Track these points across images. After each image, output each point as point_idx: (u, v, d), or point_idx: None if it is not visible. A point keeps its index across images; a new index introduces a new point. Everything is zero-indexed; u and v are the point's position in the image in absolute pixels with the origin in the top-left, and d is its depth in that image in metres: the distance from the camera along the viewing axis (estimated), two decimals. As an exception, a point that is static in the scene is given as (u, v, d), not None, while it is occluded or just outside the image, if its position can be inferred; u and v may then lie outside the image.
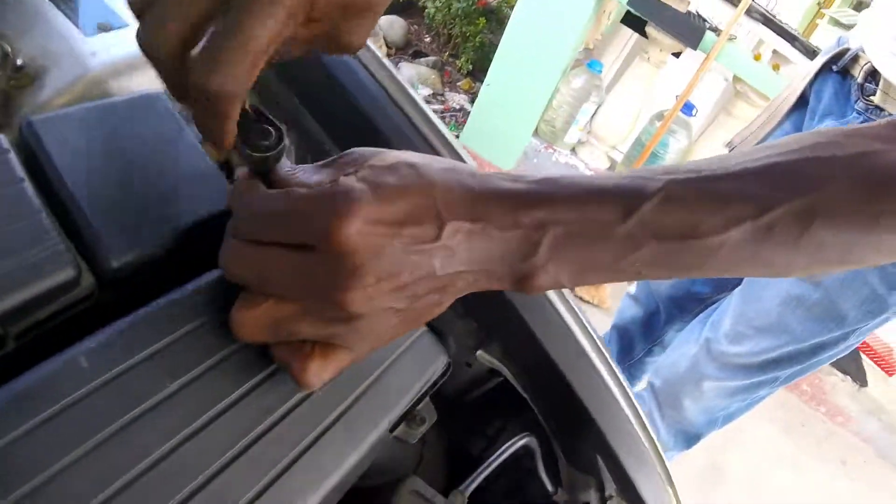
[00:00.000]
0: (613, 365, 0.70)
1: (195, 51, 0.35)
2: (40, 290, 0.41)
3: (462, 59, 3.71)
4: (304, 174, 0.41)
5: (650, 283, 1.88)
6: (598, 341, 0.69)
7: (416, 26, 4.00)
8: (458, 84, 3.69)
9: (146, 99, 0.55)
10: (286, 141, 0.42)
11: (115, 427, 0.38)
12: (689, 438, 1.78)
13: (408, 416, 0.56)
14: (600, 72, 3.22)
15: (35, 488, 0.34)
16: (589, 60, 3.23)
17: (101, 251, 0.45)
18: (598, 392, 0.66)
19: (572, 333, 0.66)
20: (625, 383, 0.71)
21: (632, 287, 2.00)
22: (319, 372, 0.41)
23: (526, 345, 0.65)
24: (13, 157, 0.46)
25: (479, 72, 3.69)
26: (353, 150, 0.42)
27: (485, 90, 3.00)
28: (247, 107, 0.40)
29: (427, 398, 0.58)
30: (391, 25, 3.77)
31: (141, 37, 0.35)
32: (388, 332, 0.41)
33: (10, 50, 0.58)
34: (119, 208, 0.47)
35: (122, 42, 0.63)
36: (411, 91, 0.66)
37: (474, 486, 0.58)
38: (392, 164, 0.39)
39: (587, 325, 0.68)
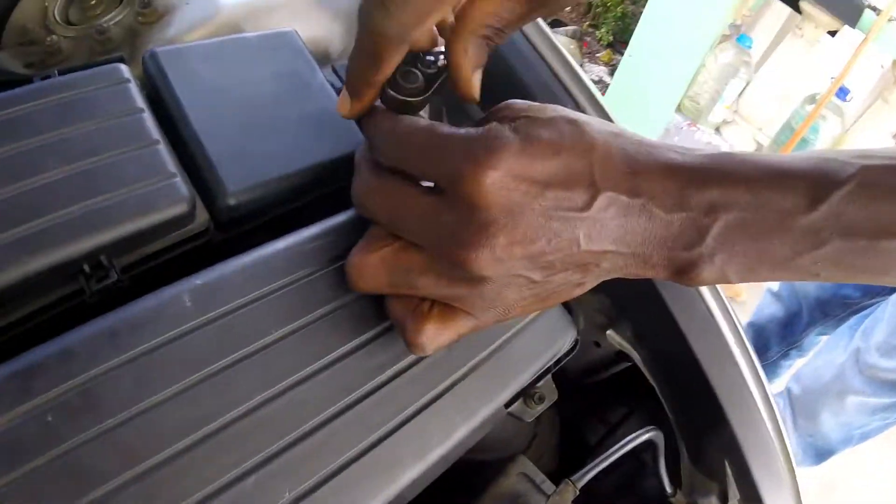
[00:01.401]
0: (756, 363, 0.62)
1: None
2: (150, 223, 0.40)
3: (602, 30, 3.58)
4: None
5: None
6: (741, 333, 0.61)
7: (556, -5, 3.89)
8: (598, 55, 3.56)
9: (277, 37, 0.52)
10: (434, 87, 0.38)
11: (210, 370, 0.35)
12: (820, 454, 1.65)
13: (526, 393, 0.52)
14: (750, 47, 3.00)
15: (124, 421, 0.33)
16: (738, 35, 3.02)
17: (217, 187, 0.42)
18: (737, 390, 0.59)
19: (715, 321, 0.59)
20: (766, 386, 0.63)
21: (774, 283, 1.85)
22: (435, 336, 0.37)
23: (662, 328, 0.59)
24: (133, 86, 0.44)
25: (619, 43, 3.55)
26: (510, 101, 0.37)
27: (626, 61, 2.87)
28: None
29: (549, 375, 0.53)
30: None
31: None
32: (517, 305, 0.37)
33: (137, -16, 0.58)
34: (240, 145, 0.44)
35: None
36: (560, 47, 0.61)
37: (588, 477, 0.53)
38: (551, 118, 0.34)
39: (732, 313, 0.61)
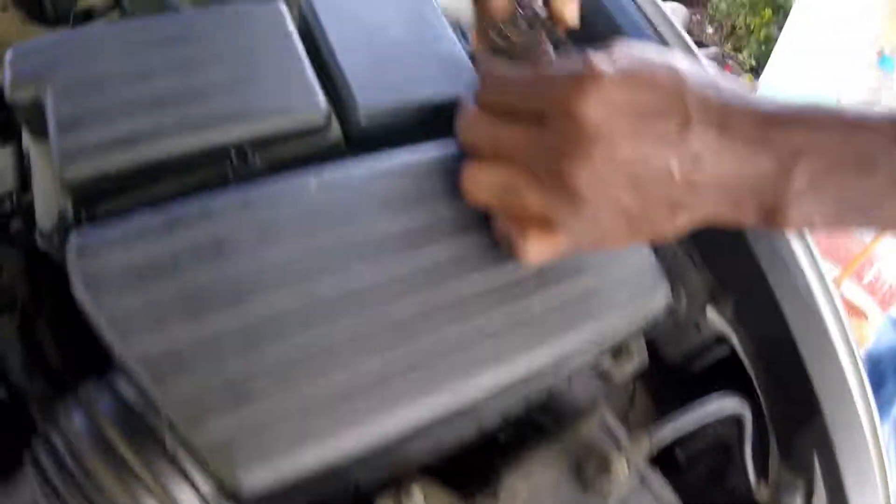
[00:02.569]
0: (859, 360, 0.60)
1: None
2: (289, 125, 0.46)
3: (744, 54, 3.48)
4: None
5: None
6: (845, 325, 0.60)
7: (698, 16, 3.81)
8: (739, 79, 3.46)
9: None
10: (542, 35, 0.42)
11: (321, 243, 0.40)
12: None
13: (615, 349, 0.53)
14: (892, 71, 2.81)
15: (242, 269, 0.38)
16: (880, 58, 2.83)
17: (350, 104, 0.48)
18: (834, 382, 0.58)
19: (817, 306, 0.58)
20: (866, 383, 0.61)
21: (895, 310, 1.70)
22: (538, 245, 0.39)
23: (763, 308, 0.59)
24: (285, 14, 0.51)
25: (762, 69, 3.45)
26: (614, 43, 0.39)
27: (762, 87, 2.78)
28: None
29: (640, 334, 0.54)
30: (673, 13, 3.61)
31: None
32: (611, 230, 0.39)
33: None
34: (374, 71, 0.49)
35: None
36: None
37: (664, 433, 0.52)
38: (648, 57, 0.37)
39: (837, 304, 0.60)
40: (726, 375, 0.69)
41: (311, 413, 0.36)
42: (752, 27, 3.45)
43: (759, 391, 0.62)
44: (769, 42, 3.39)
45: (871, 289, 2.45)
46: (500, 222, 0.41)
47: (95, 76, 0.45)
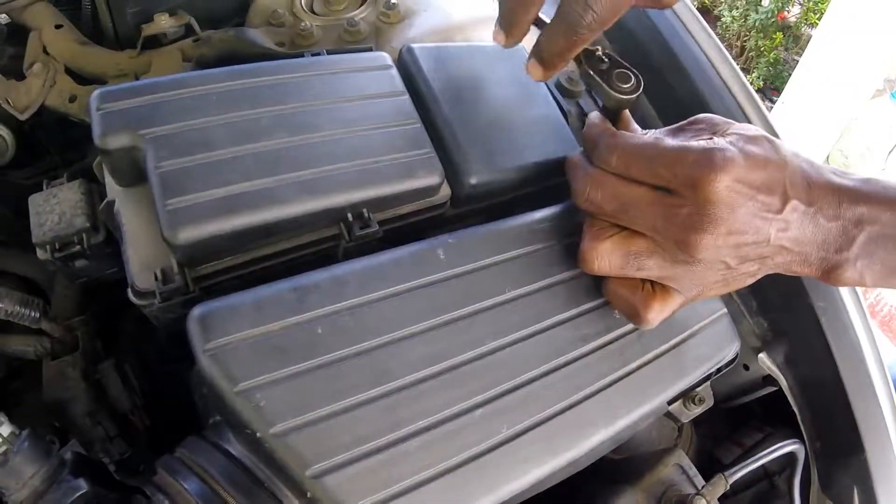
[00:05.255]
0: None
1: None
2: (407, 188, 0.48)
3: (753, 75, 3.52)
4: (658, 132, 0.45)
5: None
6: (886, 372, 0.65)
7: (708, 35, 3.85)
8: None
9: (511, 49, 0.59)
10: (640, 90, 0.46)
11: (455, 314, 0.43)
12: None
13: (687, 395, 0.56)
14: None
15: (382, 344, 0.41)
16: (893, 90, 2.89)
17: (463, 167, 0.51)
18: (877, 424, 0.63)
19: (863, 356, 0.63)
20: None
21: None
22: (660, 311, 0.45)
23: (815, 355, 0.63)
24: (395, 72, 0.54)
25: (769, 89, 3.49)
26: (703, 115, 0.46)
27: (778, 108, 2.83)
28: (601, 53, 0.46)
29: (709, 382, 0.58)
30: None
31: None
32: (711, 287, 0.44)
33: (385, -12, 0.68)
34: (481, 134, 0.52)
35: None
36: (733, 63, 0.67)
37: (739, 475, 0.57)
38: (755, 136, 0.42)
39: (881, 354, 0.65)
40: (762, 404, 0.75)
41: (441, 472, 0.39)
42: (762, 49, 3.49)
43: (802, 427, 0.66)
44: (778, 64, 3.44)
45: (872, 311, 2.52)
46: (618, 290, 0.46)
47: (197, 130, 0.45)
